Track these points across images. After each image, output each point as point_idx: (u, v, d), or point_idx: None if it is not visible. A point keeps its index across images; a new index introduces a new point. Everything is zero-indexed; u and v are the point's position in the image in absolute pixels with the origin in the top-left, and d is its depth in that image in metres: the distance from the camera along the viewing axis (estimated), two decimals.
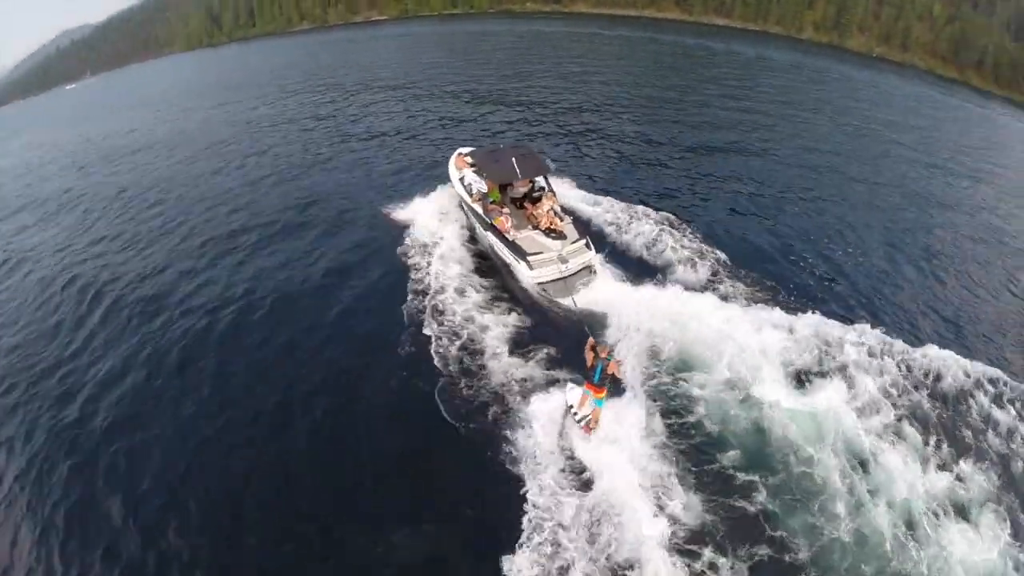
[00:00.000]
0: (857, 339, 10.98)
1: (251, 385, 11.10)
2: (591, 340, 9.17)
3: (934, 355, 10.85)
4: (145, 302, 14.16)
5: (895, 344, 11.02)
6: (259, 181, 21.67)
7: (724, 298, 12.28)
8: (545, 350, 10.88)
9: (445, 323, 11.53)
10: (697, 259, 13.72)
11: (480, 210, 14.16)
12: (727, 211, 18.39)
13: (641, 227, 15.09)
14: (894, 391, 10.23)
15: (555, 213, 13.87)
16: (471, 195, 14.76)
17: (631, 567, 7.43)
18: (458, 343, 11.05)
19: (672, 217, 16.02)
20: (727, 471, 8.73)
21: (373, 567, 7.93)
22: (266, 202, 19.46)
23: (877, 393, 10.02)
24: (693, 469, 8.69)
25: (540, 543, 7.66)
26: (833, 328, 11.30)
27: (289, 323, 12.64)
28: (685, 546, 7.68)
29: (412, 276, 13.20)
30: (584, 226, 14.39)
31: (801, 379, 10.31)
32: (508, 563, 7.47)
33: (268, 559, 8.16)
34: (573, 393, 9.47)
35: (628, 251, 14.49)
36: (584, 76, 39.90)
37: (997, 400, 10.42)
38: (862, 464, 8.86)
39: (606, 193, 17.42)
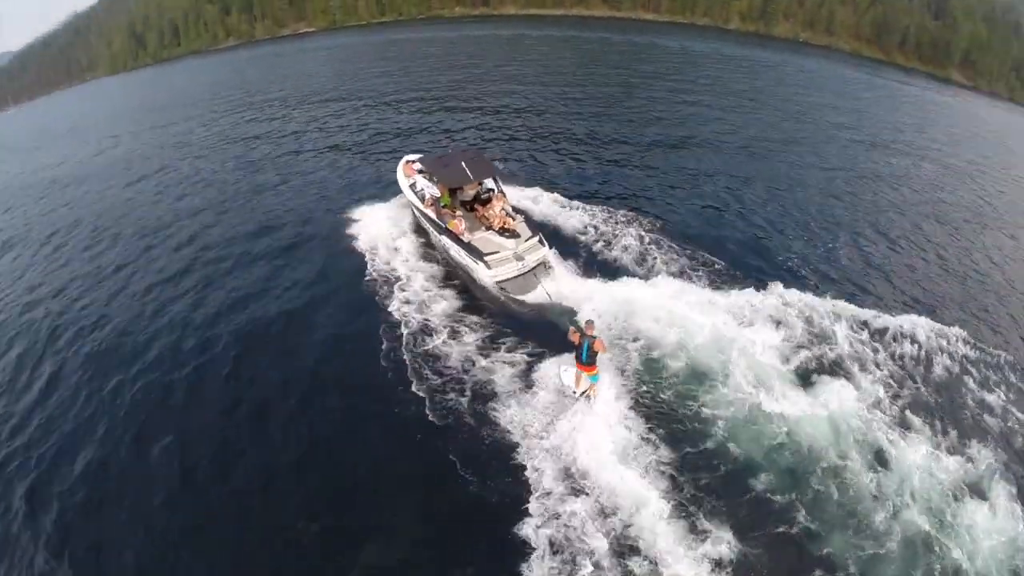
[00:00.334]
0: (847, 330, 11.62)
1: (223, 461, 9.79)
2: (572, 328, 9.74)
3: (910, 324, 11.95)
4: (92, 363, 12.55)
5: (868, 315, 12.06)
6: (201, 211, 19.97)
7: (674, 279, 12.90)
8: (519, 343, 11.17)
9: (419, 338, 11.47)
10: (654, 249, 14.44)
11: (433, 215, 14.38)
12: (679, 202, 18.94)
13: (592, 221, 15.71)
14: (890, 377, 10.76)
15: (507, 213, 14.18)
16: (423, 201, 14.97)
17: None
18: (434, 353, 11.08)
19: (623, 210, 16.68)
20: (758, 494, 8.60)
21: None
22: (211, 234, 17.85)
23: (878, 384, 10.46)
24: (723, 498, 8.45)
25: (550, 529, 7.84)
26: (817, 306, 12.09)
27: (256, 376, 11.46)
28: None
29: (377, 297, 12.92)
30: (535, 224, 14.62)
31: (805, 377, 10.47)
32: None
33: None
34: (567, 375, 9.92)
35: (580, 245, 14.87)
36: (522, 78, 39.69)
37: (984, 376, 11.40)
38: (880, 460, 9.04)
39: (555, 190, 17.83)
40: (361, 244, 15.09)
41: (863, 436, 9.38)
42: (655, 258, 14.14)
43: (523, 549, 7.72)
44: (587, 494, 8.28)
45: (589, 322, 9.56)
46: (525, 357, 10.83)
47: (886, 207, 21.15)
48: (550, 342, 11.00)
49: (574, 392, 9.68)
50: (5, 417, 11.46)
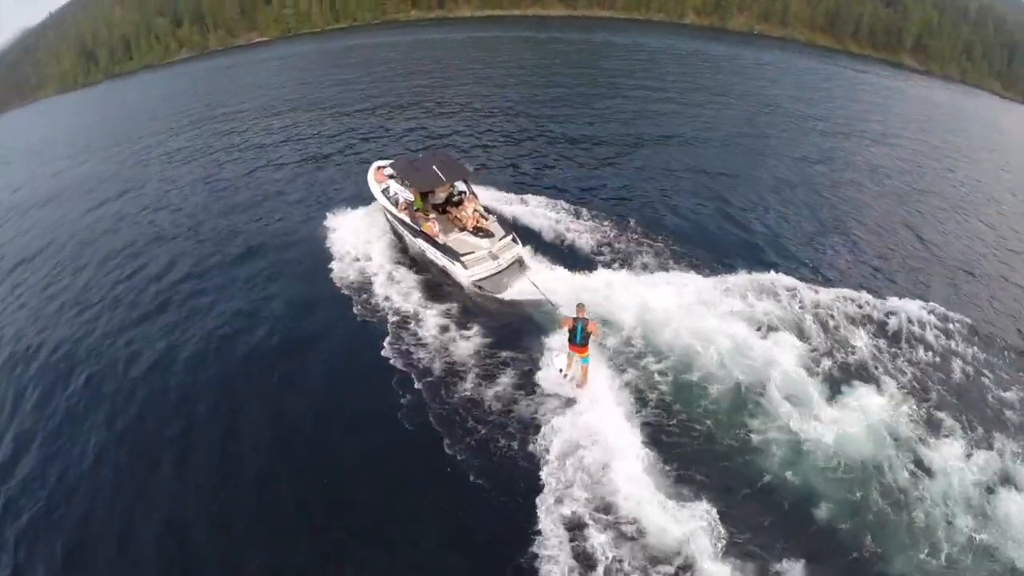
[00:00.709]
0: (861, 331, 11.62)
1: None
2: (563, 317, 10.14)
3: (916, 314, 12.12)
4: (64, 424, 11.39)
5: (872, 306, 12.22)
6: (171, 237, 18.85)
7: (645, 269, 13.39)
8: (500, 338, 11.42)
9: (407, 342, 11.58)
10: (622, 242, 14.93)
11: (407, 219, 14.50)
12: (649, 197, 19.30)
13: (563, 218, 16.10)
14: (909, 375, 10.79)
15: (479, 213, 14.46)
16: (397, 206, 15.06)
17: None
18: (425, 355, 11.18)
19: (594, 206, 17.10)
20: (805, 514, 8.42)
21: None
22: (183, 263, 16.81)
23: (898, 382, 10.48)
24: (780, 528, 8.21)
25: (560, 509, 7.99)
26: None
27: (249, 427, 10.79)
28: None
29: (357, 307, 12.90)
30: (508, 223, 14.95)
31: (832, 385, 10.27)
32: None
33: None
34: (560, 359, 10.30)
35: (553, 241, 15.23)
36: (485, 80, 39.77)
37: (989, 361, 11.57)
38: (920, 466, 8.96)
39: (526, 190, 18.24)
40: (337, 254, 15.04)
41: (899, 443, 9.31)
42: (624, 250, 14.62)
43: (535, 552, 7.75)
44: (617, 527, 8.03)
45: (580, 305, 9.99)
46: (508, 351, 11.11)
47: (868, 196, 21.89)
48: (531, 335, 11.52)
49: (564, 374, 10.14)
50: None
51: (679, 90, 36.90)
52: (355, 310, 12.87)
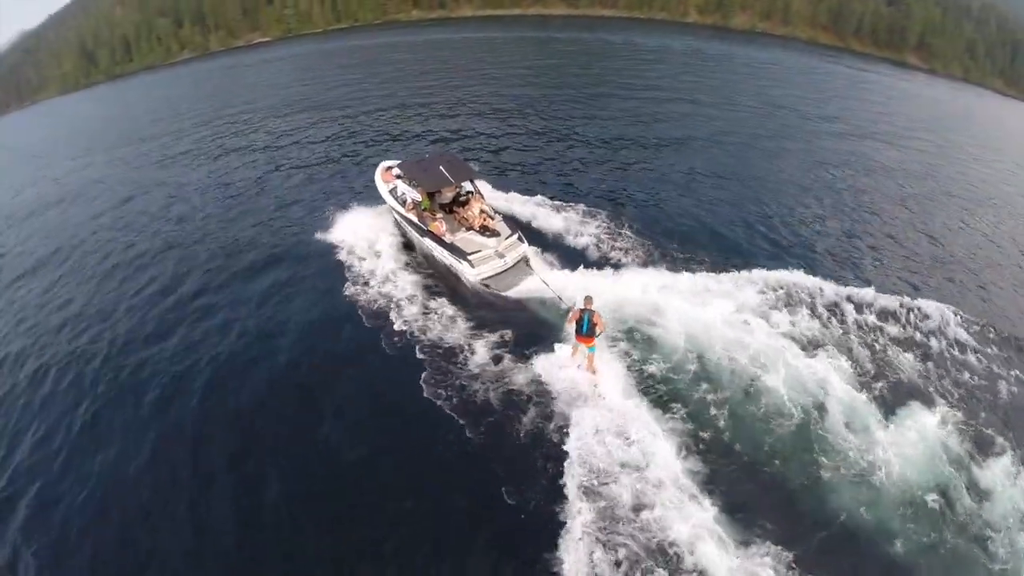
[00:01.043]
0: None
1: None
2: (572, 310, 10.24)
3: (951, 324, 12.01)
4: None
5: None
6: (175, 246, 18.19)
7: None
8: (510, 335, 11.50)
9: (415, 339, 11.68)
10: (627, 241, 15.02)
11: (415, 219, 14.66)
12: (655, 197, 19.27)
13: (569, 217, 16.19)
14: (955, 386, 10.70)
15: (485, 213, 14.63)
16: (404, 206, 15.23)
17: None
18: (432, 353, 11.27)
19: (599, 205, 17.12)
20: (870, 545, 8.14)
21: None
22: (193, 275, 16.14)
23: (947, 396, 10.34)
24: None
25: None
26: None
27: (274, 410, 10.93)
28: None
29: (368, 307, 12.94)
30: (513, 222, 15.12)
31: (886, 406, 9.99)
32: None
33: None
34: (563, 350, 10.61)
35: (559, 240, 15.34)
36: (489, 80, 39.57)
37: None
38: (977, 489, 8.79)
39: (532, 189, 18.31)
40: (346, 257, 15.05)
41: (958, 464, 9.06)
42: (627, 250, 14.72)
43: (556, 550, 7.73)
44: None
45: (588, 298, 10.13)
46: (518, 347, 11.19)
47: (888, 200, 21.56)
48: (536, 331, 11.68)
49: (565, 366, 10.37)
50: None
51: (686, 90, 36.66)
52: (361, 313, 12.88)
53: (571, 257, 14.43)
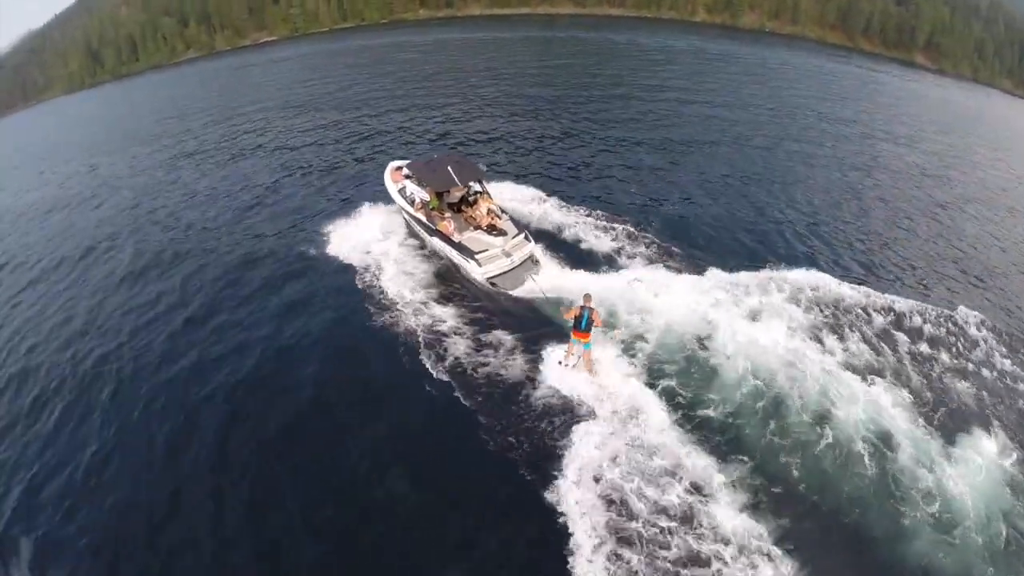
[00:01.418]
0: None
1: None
2: (564, 308, 10.70)
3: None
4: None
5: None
6: (186, 252, 17.62)
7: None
8: (515, 333, 11.70)
9: (423, 339, 11.78)
10: (633, 242, 15.01)
11: (423, 218, 14.92)
12: (664, 199, 19.10)
13: (575, 217, 16.31)
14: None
15: (493, 212, 14.81)
16: (413, 205, 15.43)
17: None
18: (440, 350, 11.45)
19: (605, 206, 17.17)
20: None
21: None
22: (205, 294, 15.32)
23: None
24: None
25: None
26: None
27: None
28: None
29: (376, 305, 13.00)
30: (520, 221, 15.33)
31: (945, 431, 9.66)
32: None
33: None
34: (558, 351, 10.95)
35: (565, 240, 15.45)
36: (495, 80, 39.28)
37: None
38: None
39: (538, 189, 18.36)
40: (357, 254, 15.12)
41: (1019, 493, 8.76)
42: (635, 251, 14.74)
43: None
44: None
45: (587, 295, 10.48)
46: (524, 345, 11.43)
47: (914, 205, 21.37)
48: (543, 329, 11.83)
49: (563, 364, 10.72)
50: None
51: (697, 91, 36.35)
52: (369, 307, 13.07)
53: (579, 257, 14.60)
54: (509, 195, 17.56)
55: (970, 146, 33.13)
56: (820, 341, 11.26)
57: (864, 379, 10.38)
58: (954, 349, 11.81)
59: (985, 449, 9.34)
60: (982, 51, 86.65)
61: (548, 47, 57.14)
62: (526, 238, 14.23)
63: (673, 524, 7.92)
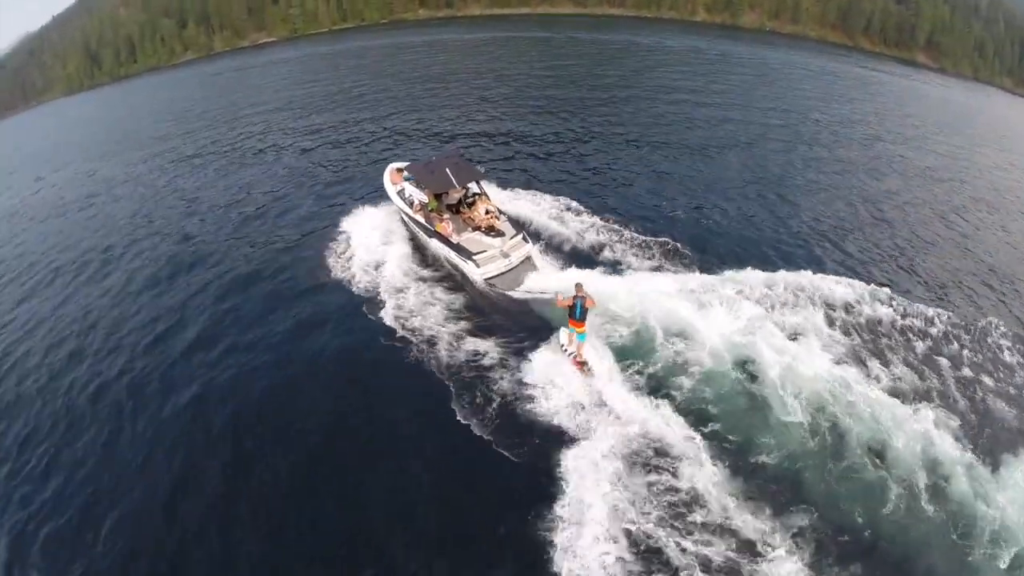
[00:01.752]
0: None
1: None
2: (559, 297, 10.78)
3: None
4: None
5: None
6: (188, 264, 17.14)
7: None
8: (513, 332, 11.91)
9: (422, 338, 11.92)
10: (628, 243, 15.08)
11: (422, 219, 15.09)
12: (661, 200, 18.92)
13: (573, 218, 16.39)
14: None
15: (491, 213, 14.97)
16: (412, 206, 15.61)
17: None
18: (438, 351, 11.54)
19: (603, 207, 17.18)
20: None
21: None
22: (204, 307, 14.88)
23: None
24: None
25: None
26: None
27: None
28: None
29: (374, 306, 13.11)
30: (518, 223, 15.43)
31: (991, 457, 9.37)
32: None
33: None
34: (563, 334, 11.25)
35: (562, 241, 15.45)
36: (498, 81, 39.29)
37: None
38: None
39: (536, 190, 18.36)
40: (356, 259, 15.14)
41: None
42: (629, 252, 14.77)
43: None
44: None
45: (578, 284, 10.72)
46: (521, 343, 11.59)
47: (928, 210, 21.00)
48: (542, 330, 11.95)
49: (565, 350, 11.01)
50: None
51: (702, 91, 36.13)
52: (370, 308, 13.18)
53: (575, 257, 14.66)
54: (507, 196, 17.60)
55: (977, 147, 32.85)
56: (862, 363, 10.91)
57: (910, 403, 10.03)
58: (990, 365, 11.62)
59: None
60: (982, 50, 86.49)
61: (548, 47, 56.92)
62: (524, 239, 14.37)
63: None
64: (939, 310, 12.81)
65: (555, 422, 9.77)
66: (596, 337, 11.27)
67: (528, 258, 14.19)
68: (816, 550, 7.87)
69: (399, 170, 17.29)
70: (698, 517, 8.11)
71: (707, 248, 15.43)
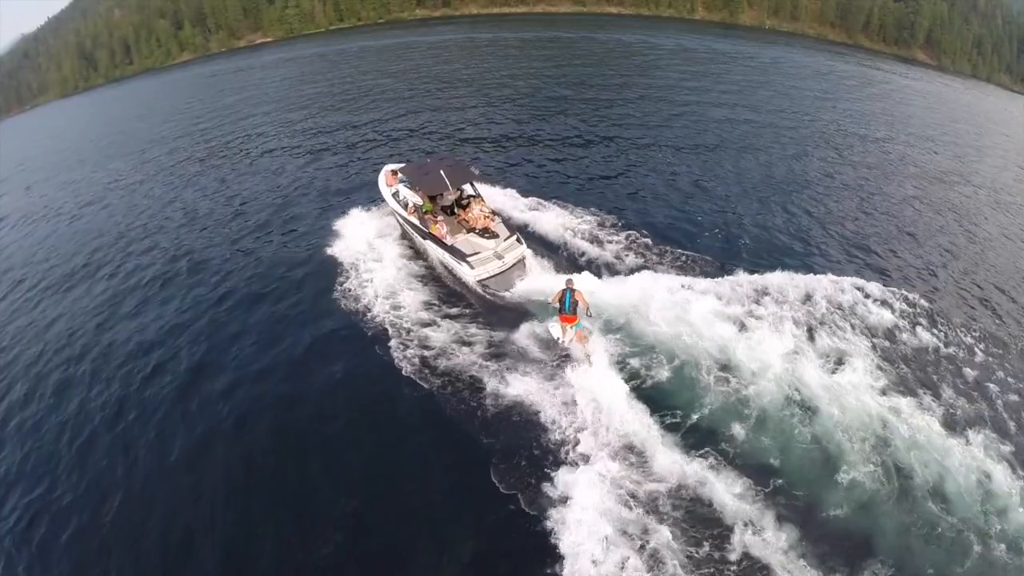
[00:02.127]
0: None
1: None
2: (552, 296, 11.01)
3: None
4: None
5: None
6: (184, 288, 15.89)
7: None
8: (506, 332, 11.78)
9: (416, 340, 11.78)
10: (626, 245, 14.88)
11: (416, 221, 15.00)
12: (656, 202, 18.64)
13: (567, 220, 16.22)
14: None
15: (485, 215, 14.93)
16: (406, 208, 15.57)
17: None
18: (432, 353, 11.41)
19: (598, 209, 16.94)
20: None
21: None
22: (198, 338, 13.65)
23: None
24: None
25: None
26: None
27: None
28: None
29: (364, 309, 12.95)
30: (512, 224, 15.40)
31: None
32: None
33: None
34: (554, 328, 11.21)
35: (556, 242, 15.37)
36: (495, 81, 38.70)
37: None
38: None
39: (530, 192, 18.16)
40: (348, 257, 15.03)
41: None
42: (626, 254, 14.60)
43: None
44: None
45: (569, 279, 11.06)
46: (515, 344, 11.50)
47: (942, 215, 20.44)
48: (537, 332, 11.73)
49: (560, 340, 11.01)
50: None
51: (699, 91, 35.73)
52: (355, 305, 13.08)
53: (569, 260, 14.57)
54: (501, 198, 17.46)
55: (988, 147, 32.51)
56: (911, 391, 10.29)
57: (960, 434, 9.45)
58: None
59: None
60: (980, 47, 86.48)
61: (547, 47, 56.54)
62: (518, 240, 14.27)
63: None
64: (977, 329, 12.44)
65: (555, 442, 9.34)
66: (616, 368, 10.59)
67: (522, 260, 14.07)
68: None
69: (394, 172, 17.20)
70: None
71: (726, 254, 14.88)
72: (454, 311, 12.75)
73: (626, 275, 13.31)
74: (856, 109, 35.99)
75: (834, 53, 68.63)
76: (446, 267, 14.32)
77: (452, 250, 13.92)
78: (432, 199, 15.53)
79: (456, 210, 15.64)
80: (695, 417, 9.56)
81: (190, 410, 11.24)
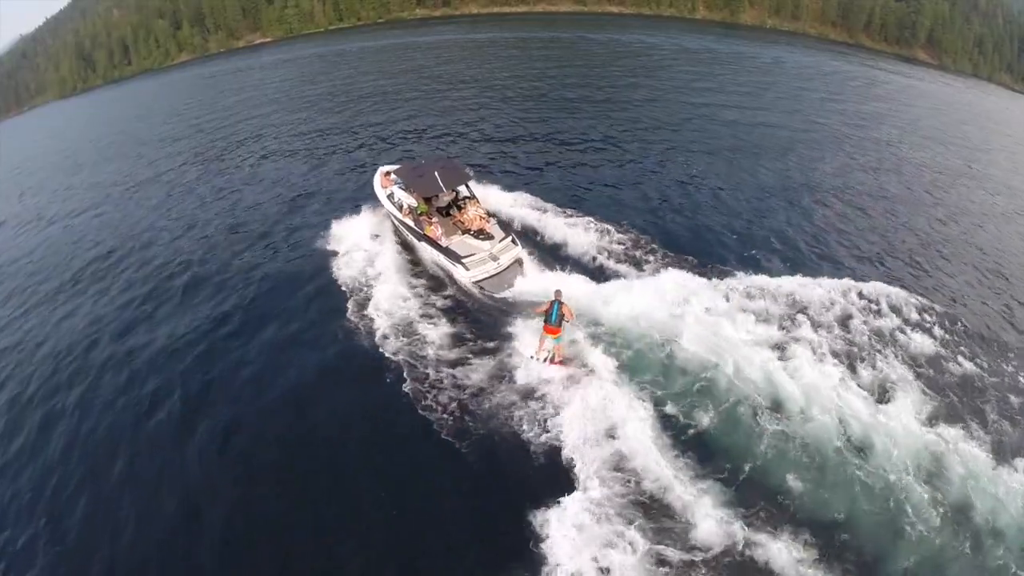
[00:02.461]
0: None
1: None
2: (538, 306, 10.94)
3: None
4: None
5: None
6: (179, 299, 15.40)
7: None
8: (499, 335, 11.69)
9: (408, 343, 11.71)
10: (618, 247, 14.83)
11: (411, 223, 15.05)
12: (650, 205, 18.50)
13: (563, 221, 15.98)
14: None
15: (481, 216, 14.86)
16: (401, 210, 15.56)
17: None
18: (424, 356, 11.33)
19: (594, 210, 16.86)
20: None
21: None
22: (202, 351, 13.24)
23: None
24: None
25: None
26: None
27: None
28: None
29: (360, 310, 12.92)
30: (507, 225, 15.38)
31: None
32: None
33: None
34: (529, 348, 11.08)
35: (551, 244, 15.31)
36: (494, 81, 38.59)
37: None
38: None
39: (526, 193, 18.03)
40: (343, 259, 15.03)
41: None
42: (618, 256, 14.54)
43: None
44: None
45: (558, 291, 10.86)
46: (507, 346, 11.40)
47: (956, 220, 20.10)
48: (534, 331, 11.48)
49: (533, 357, 10.83)
50: None
51: (707, 92, 35.48)
52: (349, 307, 13.09)
53: (564, 261, 14.43)
54: (496, 199, 17.41)
55: (996, 150, 32.23)
56: (958, 418, 9.83)
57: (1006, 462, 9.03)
58: None
59: None
60: (981, 46, 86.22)
61: (548, 47, 56.19)
62: (513, 241, 14.30)
63: None
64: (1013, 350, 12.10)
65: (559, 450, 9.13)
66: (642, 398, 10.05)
67: (518, 261, 14.04)
68: None
69: (388, 174, 17.17)
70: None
71: (744, 262, 14.34)
72: (449, 313, 12.72)
73: (631, 280, 13.03)
74: (864, 111, 35.60)
75: (836, 53, 68.32)
76: (441, 269, 14.25)
77: (447, 252, 13.93)
78: (427, 200, 15.54)
79: (451, 211, 15.67)
80: (746, 468, 8.71)
81: (187, 457, 10.29)
